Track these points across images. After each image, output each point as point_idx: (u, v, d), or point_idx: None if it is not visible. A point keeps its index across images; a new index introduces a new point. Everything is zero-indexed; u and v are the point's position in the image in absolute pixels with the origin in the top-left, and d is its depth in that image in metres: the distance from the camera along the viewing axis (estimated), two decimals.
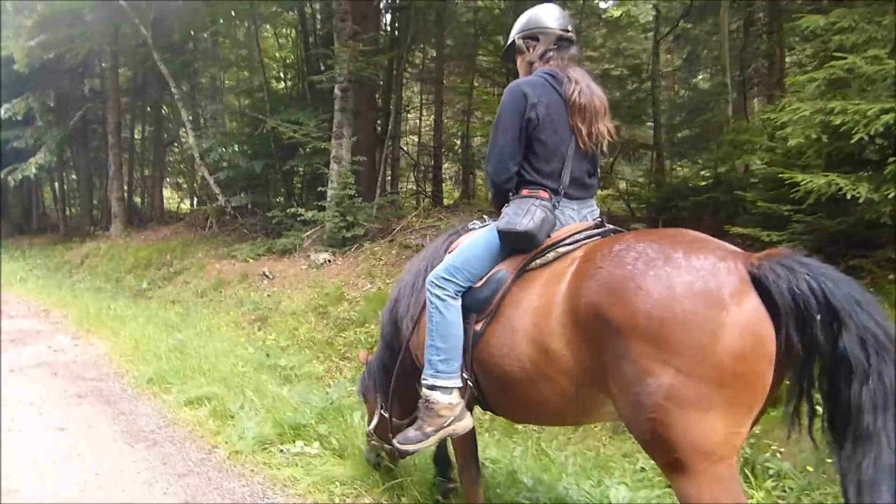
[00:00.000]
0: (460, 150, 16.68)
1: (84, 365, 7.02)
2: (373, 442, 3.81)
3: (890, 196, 4.64)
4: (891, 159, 4.67)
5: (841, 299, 1.99)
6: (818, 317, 2.00)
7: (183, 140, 28.48)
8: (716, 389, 2.04)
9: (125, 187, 22.38)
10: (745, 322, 2.04)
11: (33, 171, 19.95)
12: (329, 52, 11.48)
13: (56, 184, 28.93)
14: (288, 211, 11.98)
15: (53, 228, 28.20)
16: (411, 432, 2.96)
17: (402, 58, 12.89)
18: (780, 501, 3.69)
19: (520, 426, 5.11)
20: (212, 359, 6.45)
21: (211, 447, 4.64)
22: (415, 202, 15.35)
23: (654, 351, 2.10)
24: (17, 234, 29.14)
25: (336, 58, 10.71)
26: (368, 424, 3.84)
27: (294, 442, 4.47)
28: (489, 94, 14.17)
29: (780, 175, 5.33)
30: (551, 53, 3.05)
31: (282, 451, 4.38)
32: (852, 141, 4.68)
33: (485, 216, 3.54)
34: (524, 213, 2.78)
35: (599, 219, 2.97)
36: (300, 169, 13.41)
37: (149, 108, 25.11)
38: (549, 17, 3.09)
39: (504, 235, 2.82)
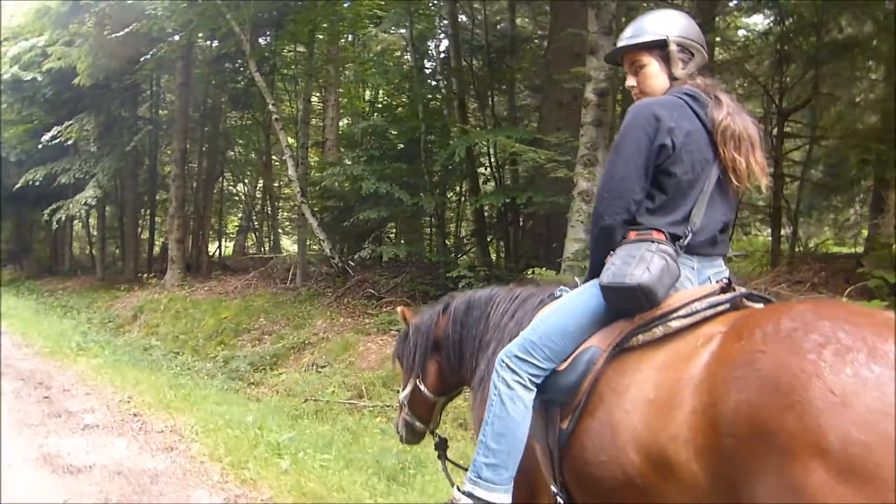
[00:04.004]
0: None
1: None
2: (404, 415, 3.29)
3: None
4: None
5: None
6: None
7: (232, 174, 25.17)
8: None
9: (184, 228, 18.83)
10: None
11: (81, 207, 16.44)
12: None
13: (91, 220, 25.52)
14: (479, 271, 8.37)
15: (86, 271, 24.72)
16: None
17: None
18: None
19: None
20: None
21: None
22: None
23: (850, 491, 1.40)
24: (46, 275, 25.67)
25: (595, 46, 7.21)
26: (402, 391, 3.31)
27: None
28: None
29: None
30: (699, 80, 2.37)
31: None
32: None
33: (577, 279, 2.55)
34: (636, 262, 2.07)
35: (727, 280, 2.15)
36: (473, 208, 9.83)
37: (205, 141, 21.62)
38: (700, 35, 2.42)
39: (611, 294, 2.11)
